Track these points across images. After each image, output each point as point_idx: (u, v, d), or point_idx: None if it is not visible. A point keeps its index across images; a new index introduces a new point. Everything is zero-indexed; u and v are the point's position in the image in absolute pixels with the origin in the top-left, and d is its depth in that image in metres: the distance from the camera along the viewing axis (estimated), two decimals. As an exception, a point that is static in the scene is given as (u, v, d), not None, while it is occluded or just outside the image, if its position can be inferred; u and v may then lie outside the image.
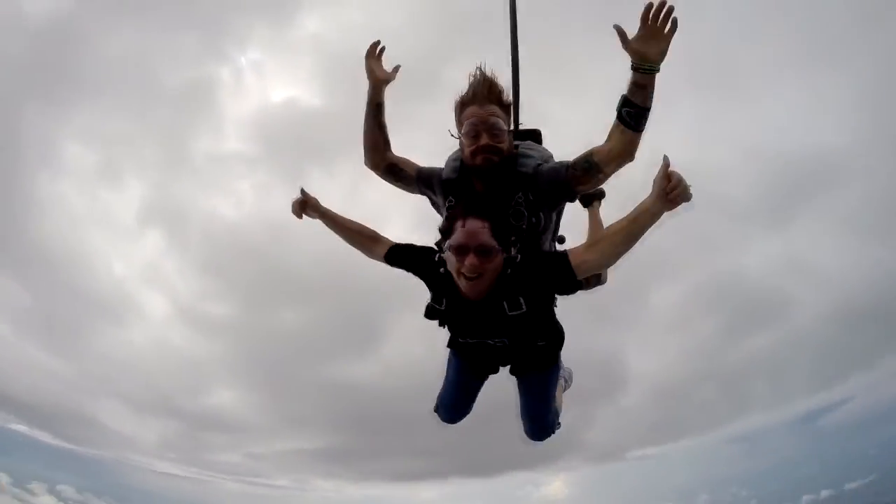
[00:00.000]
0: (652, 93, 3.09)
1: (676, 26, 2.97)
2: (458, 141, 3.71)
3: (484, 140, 3.45)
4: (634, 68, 3.05)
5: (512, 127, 3.92)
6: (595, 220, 4.82)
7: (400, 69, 3.84)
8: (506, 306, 3.33)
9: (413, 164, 3.95)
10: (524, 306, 3.33)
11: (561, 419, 4.58)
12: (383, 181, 4.05)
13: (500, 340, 3.59)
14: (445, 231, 3.26)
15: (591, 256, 3.19)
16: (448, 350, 4.09)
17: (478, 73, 3.58)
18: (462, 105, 3.57)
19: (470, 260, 3.11)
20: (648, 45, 3.00)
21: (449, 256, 3.22)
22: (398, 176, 3.93)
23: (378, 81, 3.74)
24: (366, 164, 3.93)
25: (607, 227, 3.27)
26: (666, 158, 2.91)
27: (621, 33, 3.02)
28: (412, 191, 4.00)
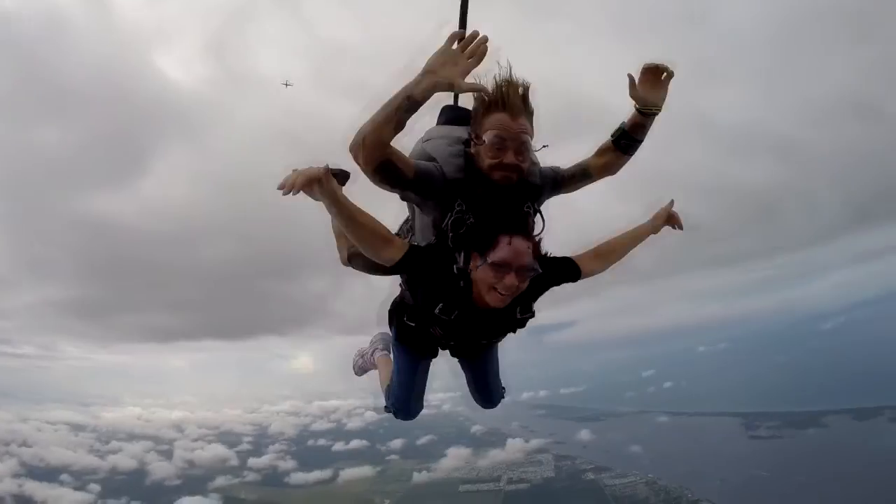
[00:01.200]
0: (648, 130, 3.64)
1: (672, 76, 3.43)
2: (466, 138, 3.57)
3: (510, 158, 3.32)
4: (640, 111, 3.53)
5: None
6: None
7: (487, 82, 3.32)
8: (518, 311, 3.62)
9: (409, 161, 3.41)
10: (533, 310, 3.71)
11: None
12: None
13: (493, 340, 4.08)
14: (471, 240, 3.28)
15: (598, 266, 3.94)
16: (395, 348, 4.38)
17: (507, 75, 3.31)
18: (489, 107, 3.33)
19: (510, 279, 3.19)
20: (652, 93, 3.48)
21: (483, 269, 3.21)
22: (389, 175, 3.31)
23: (442, 86, 3.01)
24: (356, 155, 3.18)
25: (610, 242, 4.05)
26: (672, 202, 4.21)
27: (631, 81, 3.48)
28: (390, 190, 3.48)
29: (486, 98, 3.33)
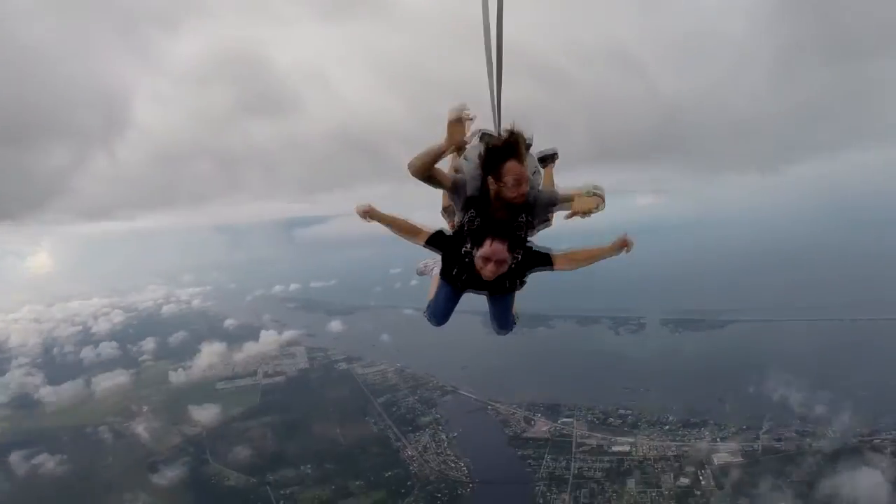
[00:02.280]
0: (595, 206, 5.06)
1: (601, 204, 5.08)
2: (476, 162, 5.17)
3: (523, 188, 4.97)
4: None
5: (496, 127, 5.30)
6: (548, 176, 6.38)
7: (475, 136, 5.33)
8: (507, 283, 5.34)
9: (447, 176, 5.21)
10: (519, 284, 5.44)
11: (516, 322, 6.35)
12: None
13: (496, 293, 5.65)
14: (474, 235, 5.02)
15: (567, 266, 5.33)
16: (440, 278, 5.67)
17: (513, 129, 4.95)
18: (502, 154, 4.89)
19: (491, 268, 4.95)
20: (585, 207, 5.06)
21: (476, 258, 4.98)
22: (434, 183, 5.12)
23: (455, 146, 4.86)
24: (412, 173, 4.93)
25: (581, 251, 5.37)
26: (625, 234, 5.15)
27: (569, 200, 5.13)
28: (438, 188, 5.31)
29: (499, 146, 4.93)
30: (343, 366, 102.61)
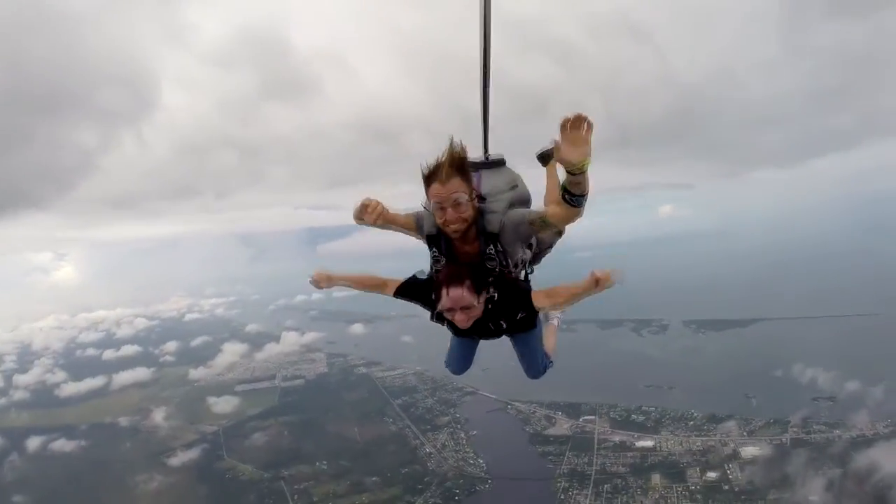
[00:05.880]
0: (586, 183, 3.60)
1: (591, 129, 3.33)
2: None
3: (450, 215, 4.21)
4: (570, 173, 3.52)
5: (483, 155, 5.06)
6: (552, 178, 5.25)
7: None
8: (491, 326, 4.67)
9: (405, 219, 4.62)
10: (504, 325, 4.70)
11: (551, 358, 5.89)
12: None
13: (486, 338, 5.09)
14: (435, 286, 4.38)
15: (547, 303, 4.51)
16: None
17: (444, 148, 4.17)
18: (427, 180, 4.23)
19: (458, 316, 4.28)
20: (571, 153, 3.37)
21: (443, 309, 4.35)
22: (393, 227, 4.58)
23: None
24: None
25: (562, 288, 4.42)
26: (597, 270, 3.97)
27: (556, 146, 3.41)
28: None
29: (424, 172, 4.23)
30: (362, 370, 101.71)
